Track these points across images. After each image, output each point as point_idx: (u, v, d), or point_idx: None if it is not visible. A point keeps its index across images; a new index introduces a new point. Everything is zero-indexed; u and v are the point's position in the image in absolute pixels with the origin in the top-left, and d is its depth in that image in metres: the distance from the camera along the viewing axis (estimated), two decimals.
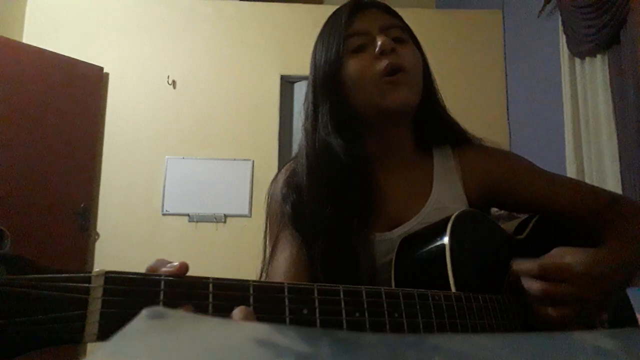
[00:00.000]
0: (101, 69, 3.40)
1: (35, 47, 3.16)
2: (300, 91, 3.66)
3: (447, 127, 0.83)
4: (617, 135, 2.37)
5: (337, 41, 0.76)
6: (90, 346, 3.03)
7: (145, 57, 3.52)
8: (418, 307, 0.50)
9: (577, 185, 0.82)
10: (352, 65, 0.74)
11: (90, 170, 3.29)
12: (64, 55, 3.24)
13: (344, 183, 0.72)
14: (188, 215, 3.33)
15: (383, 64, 0.72)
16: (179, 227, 3.32)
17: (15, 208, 2.83)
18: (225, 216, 3.35)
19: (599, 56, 2.52)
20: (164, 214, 3.33)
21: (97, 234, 3.28)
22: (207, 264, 3.20)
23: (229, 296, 0.41)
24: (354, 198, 0.72)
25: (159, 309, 0.23)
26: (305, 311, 0.43)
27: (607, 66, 2.47)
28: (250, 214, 3.36)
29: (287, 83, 3.65)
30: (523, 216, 0.83)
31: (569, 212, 0.75)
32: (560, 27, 2.79)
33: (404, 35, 0.77)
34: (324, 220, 0.70)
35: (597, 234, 0.70)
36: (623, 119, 2.32)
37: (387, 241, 0.70)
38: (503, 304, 0.59)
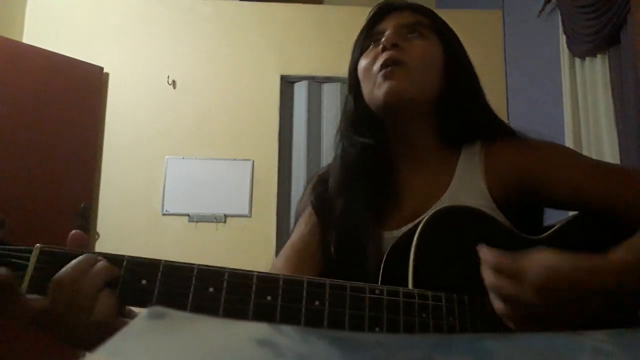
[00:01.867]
0: (101, 69, 3.40)
1: (35, 47, 3.15)
2: (300, 91, 3.66)
3: (475, 123, 0.79)
4: (618, 135, 2.37)
5: (360, 41, 0.82)
6: None
7: (145, 57, 3.52)
8: (349, 299, 0.52)
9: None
10: (361, 63, 0.79)
11: (90, 170, 3.29)
12: (64, 55, 3.24)
13: (363, 177, 0.76)
14: (188, 215, 3.33)
15: (382, 59, 0.74)
16: (179, 227, 3.31)
17: (15, 208, 2.83)
18: (225, 216, 3.35)
19: (599, 56, 2.52)
20: (164, 214, 3.33)
21: (97, 234, 3.28)
22: (207, 264, 3.19)
23: (139, 271, 0.51)
24: (370, 193, 0.75)
25: (159, 309, 0.23)
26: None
27: (607, 66, 2.47)
28: (250, 214, 3.36)
29: (287, 83, 3.65)
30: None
31: (622, 212, 0.67)
32: (560, 27, 2.79)
33: (424, 31, 0.78)
34: (340, 212, 0.74)
35: None
36: (623, 119, 2.32)
37: (395, 239, 0.70)
38: (477, 307, 0.57)
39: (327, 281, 0.52)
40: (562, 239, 0.69)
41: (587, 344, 0.23)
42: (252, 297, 0.50)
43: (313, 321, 0.50)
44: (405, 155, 0.80)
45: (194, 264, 0.51)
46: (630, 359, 0.22)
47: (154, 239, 3.25)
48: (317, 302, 0.51)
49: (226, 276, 0.50)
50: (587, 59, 2.60)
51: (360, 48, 0.81)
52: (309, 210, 0.81)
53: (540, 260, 0.52)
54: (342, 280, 0.53)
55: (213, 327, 0.22)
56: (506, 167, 0.75)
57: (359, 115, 0.81)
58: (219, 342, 0.21)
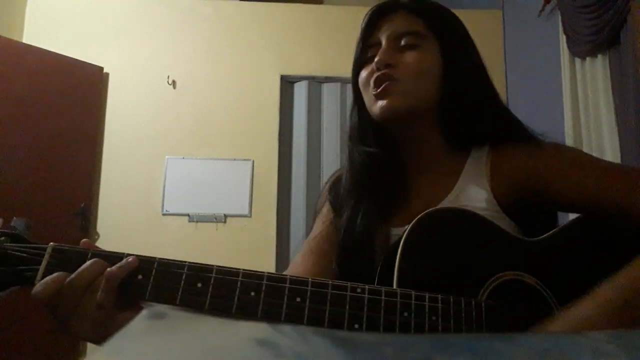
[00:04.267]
0: (101, 69, 3.40)
1: (35, 47, 3.15)
2: (300, 91, 3.66)
3: (482, 125, 0.78)
4: (618, 135, 2.37)
5: (357, 50, 0.82)
6: (90, 346, 3.03)
7: (145, 57, 3.52)
8: (330, 297, 0.54)
9: None
10: (360, 76, 0.80)
11: (90, 170, 3.29)
12: (64, 55, 3.24)
13: (372, 182, 0.78)
14: (188, 215, 3.33)
15: (374, 77, 0.76)
16: (179, 227, 3.31)
17: (15, 208, 2.83)
18: (225, 216, 3.35)
19: (599, 56, 2.52)
20: (164, 214, 3.33)
21: (97, 234, 3.28)
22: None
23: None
24: (379, 194, 0.77)
25: (159, 309, 0.23)
26: (199, 284, 0.55)
27: (607, 66, 2.47)
28: (250, 214, 3.36)
29: (287, 83, 3.65)
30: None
31: (628, 215, 0.64)
32: (560, 27, 2.79)
33: (418, 40, 0.77)
34: (349, 212, 0.76)
35: None
36: (624, 119, 2.32)
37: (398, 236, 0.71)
38: (463, 306, 0.56)
39: (309, 279, 0.55)
40: (560, 242, 0.67)
41: (588, 344, 0.22)
42: (237, 292, 0.53)
43: (294, 317, 0.53)
44: (413, 158, 0.81)
45: (185, 262, 0.55)
46: (630, 359, 0.21)
47: (154, 239, 3.25)
48: (298, 299, 0.53)
49: (213, 273, 0.54)
50: (587, 59, 2.60)
51: (358, 59, 0.81)
52: (326, 208, 0.85)
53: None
54: (324, 279, 0.55)
55: (213, 327, 0.22)
56: (512, 171, 0.74)
57: (364, 125, 0.82)
58: (219, 342, 0.21)
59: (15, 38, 3.24)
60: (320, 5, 4.00)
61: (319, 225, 0.84)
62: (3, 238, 0.57)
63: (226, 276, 0.54)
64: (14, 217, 0.60)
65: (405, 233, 0.61)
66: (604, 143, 2.46)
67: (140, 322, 0.21)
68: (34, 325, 2.66)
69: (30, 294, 0.53)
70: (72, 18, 3.50)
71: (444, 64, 0.77)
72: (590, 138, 2.55)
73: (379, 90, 0.74)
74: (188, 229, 3.32)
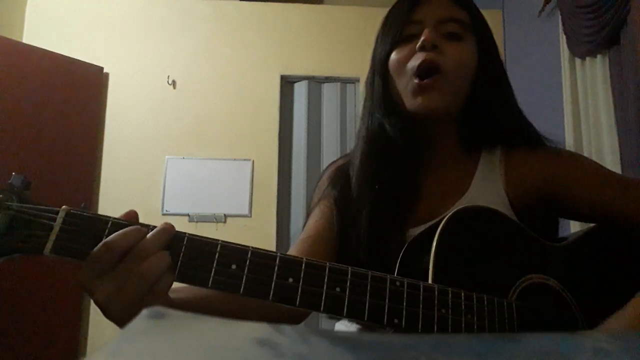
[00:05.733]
0: (101, 69, 3.40)
1: (35, 47, 3.15)
2: (300, 91, 3.66)
3: (498, 128, 0.77)
4: (618, 135, 2.37)
5: (395, 26, 0.76)
6: (90, 346, 3.03)
7: (145, 57, 3.52)
8: (388, 290, 0.51)
9: None
10: (396, 54, 0.74)
11: (90, 170, 3.29)
12: (64, 55, 3.24)
13: (387, 174, 0.74)
14: (188, 215, 3.33)
15: (418, 59, 0.71)
16: (179, 227, 3.25)
17: None
18: (225, 216, 3.35)
19: (599, 56, 2.52)
20: (164, 214, 3.33)
21: None
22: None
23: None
24: (394, 192, 0.73)
25: (160, 309, 0.23)
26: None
27: (607, 66, 2.47)
28: (250, 214, 3.36)
29: (287, 83, 3.65)
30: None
31: None
32: (560, 27, 2.79)
33: (462, 32, 0.74)
34: (366, 207, 0.72)
35: None
36: (623, 119, 2.32)
37: (410, 238, 0.69)
38: (496, 306, 0.56)
39: (349, 268, 0.51)
40: (584, 249, 0.69)
41: (588, 344, 0.22)
42: (274, 277, 0.49)
43: (333, 307, 0.49)
44: (425, 156, 0.78)
45: (218, 240, 0.52)
46: (631, 359, 0.21)
47: None
48: (338, 289, 0.50)
49: (249, 255, 0.50)
50: (587, 59, 2.60)
51: (394, 34, 0.75)
52: (325, 203, 0.80)
53: None
54: (363, 269, 0.52)
55: (213, 326, 0.22)
56: (527, 176, 0.73)
57: (386, 101, 0.77)
58: (219, 342, 0.21)
59: (15, 38, 3.24)
60: (320, 5, 3.99)
61: (315, 220, 0.79)
62: (7, 196, 0.48)
63: (262, 259, 0.49)
64: (13, 174, 0.49)
65: (439, 230, 0.59)
66: (603, 143, 2.45)
67: (140, 322, 0.21)
68: (34, 324, 2.67)
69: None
70: (72, 18, 3.50)
71: (477, 63, 0.75)
72: (590, 138, 2.55)
73: (424, 82, 0.70)
74: (188, 229, 3.25)
